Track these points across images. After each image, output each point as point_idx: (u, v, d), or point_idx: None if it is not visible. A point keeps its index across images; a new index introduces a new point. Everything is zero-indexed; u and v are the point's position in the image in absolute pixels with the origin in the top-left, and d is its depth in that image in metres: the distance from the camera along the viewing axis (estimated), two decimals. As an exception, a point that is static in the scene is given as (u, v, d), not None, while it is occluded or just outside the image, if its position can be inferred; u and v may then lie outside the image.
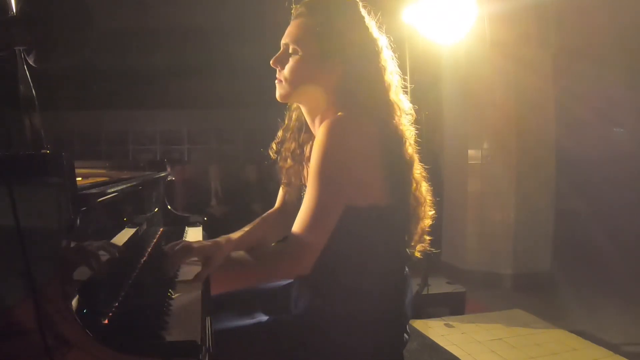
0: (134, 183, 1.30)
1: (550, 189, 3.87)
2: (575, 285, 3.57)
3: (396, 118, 1.08)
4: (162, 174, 1.93)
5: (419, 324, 2.89)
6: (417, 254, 1.18)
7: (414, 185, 1.12)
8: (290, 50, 1.10)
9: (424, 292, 3.07)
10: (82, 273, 0.79)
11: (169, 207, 1.97)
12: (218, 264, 1.05)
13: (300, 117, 1.24)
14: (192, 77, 5.98)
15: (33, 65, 0.76)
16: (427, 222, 1.17)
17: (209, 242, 1.11)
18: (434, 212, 1.18)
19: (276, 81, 1.14)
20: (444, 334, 2.78)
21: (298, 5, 1.11)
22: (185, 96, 6.47)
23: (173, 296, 1.02)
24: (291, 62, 1.09)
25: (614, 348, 2.52)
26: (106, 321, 0.80)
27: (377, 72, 1.09)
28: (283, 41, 1.12)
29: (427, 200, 1.16)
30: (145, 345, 0.71)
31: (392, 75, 1.13)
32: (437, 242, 4.34)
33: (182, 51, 5.32)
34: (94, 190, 0.82)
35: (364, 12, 1.12)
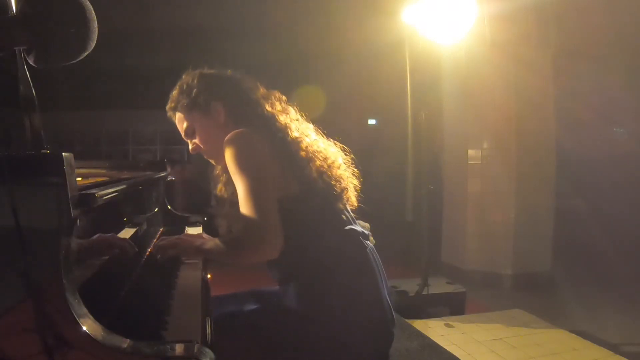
0: (134, 183, 1.30)
1: (550, 189, 3.87)
2: (575, 285, 3.57)
3: (278, 125, 1.27)
4: (162, 174, 1.93)
5: (419, 324, 2.89)
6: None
7: (322, 174, 1.25)
8: (190, 134, 1.35)
9: (424, 292, 3.08)
10: (82, 273, 0.79)
11: (169, 207, 1.97)
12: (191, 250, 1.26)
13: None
14: (192, 77, 5.96)
15: (33, 65, 0.76)
16: (352, 197, 1.33)
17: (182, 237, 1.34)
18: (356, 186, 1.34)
19: (206, 157, 1.38)
20: (444, 334, 2.78)
21: (167, 109, 1.38)
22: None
23: (173, 296, 1.02)
24: (198, 138, 1.34)
25: (614, 348, 2.52)
26: (106, 321, 0.80)
27: (246, 92, 1.32)
28: (183, 135, 1.37)
29: (344, 182, 1.30)
30: (145, 345, 0.71)
31: (262, 92, 1.34)
32: (437, 242, 4.36)
33: (182, 51, 5.32)
34: (94, 190, 0.82)
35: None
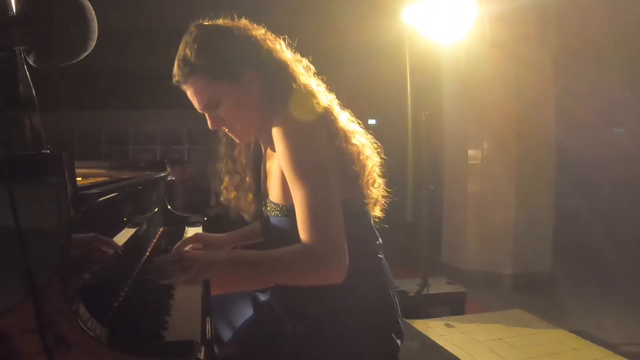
0: (134, 183, 1.30)
1: (550, 189, 3.87)
2: (575, 285, 3.57)
3: (321, 107, 1.06)
4: (162, 174, 1.93)
5: (419, 324, 2.89)
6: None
7: (365, 178, 1.09)
8: (213, 107, 1.08)
9: (424, 292, 3.07)
10: (82, 273, 0.79)
11: (169, 207, 1.97)
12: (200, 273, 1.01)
13: (229, 153, 1.26)
14: (192, 77, 5.97)
15: (33, 65, 0.76)
16: (377, 212, 1.17)
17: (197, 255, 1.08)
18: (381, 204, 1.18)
19: (228, 132, 1.15)
20: (444, 334, 2.78)
21: (175, 76, 1.10)
22: (185, 96, 6.45)
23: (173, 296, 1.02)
24: (223, 113, 1.08)
25: (614, 348, 2.52)
26: (106, 321, 0.80)
27: (285, 67, 1.09)
28: (201, 108, 1.10)
29: (379, 194, 1.15)
30: (145, 345, 0.71)
31: (300, 65, 1.12)
32: (437, 242, 4.36)
33: (182, 51, 5.30)
34: (94, 190, 0.82)
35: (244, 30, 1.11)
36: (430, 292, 3.08)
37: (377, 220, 1.18)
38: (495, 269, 3.80)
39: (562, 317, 2.99)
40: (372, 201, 1.12)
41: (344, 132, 1.06)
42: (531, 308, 3.17)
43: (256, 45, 1.07)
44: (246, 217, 1.31)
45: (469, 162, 3.94)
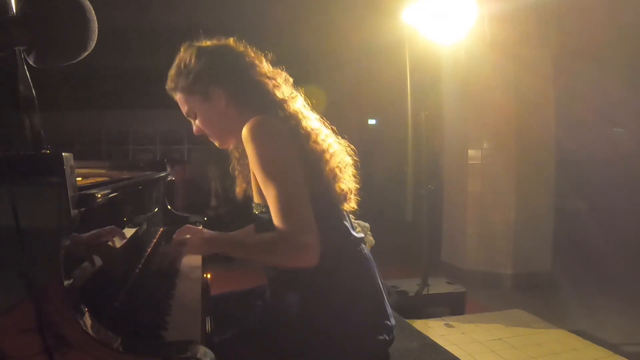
0: (134, 183, 1.30)
1: (550, 189, 3.87)
2: (575, 285, 3.57)
3: (288, 112, 1.18)
4: (162, 174, 1.93)
5: (419, 324, 2.89)
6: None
7: (334, 174, 1.18)
8: (192, 117, 1.27)
9: (424, 292, 3.07)
10: (82, 273, 0.79)
11: (169, 207, 1.97)
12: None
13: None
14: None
15: (33, 65, 0.76)
16: (353, 205, 1.26)
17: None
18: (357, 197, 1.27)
19: (210, 139, 1.31)
20: (444, 334, 2.78)
21: (167, 89, 1.28)
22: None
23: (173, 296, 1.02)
24: (199, 123, 1.26)
25: (614, 348, 2.52)
26: (106, 321, 0.80)
27: (258, 82, 1.21)
28: (186, 115, 1.29)
29: (350, 184, 1.24)
30: (145, 345, 0.72)
31: (277, 78, 1.24)
32: (437, 242, 4.36)
33: (182, 51, 5.30)
34: (94, 190, 0.82)
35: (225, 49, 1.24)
36: (430, 292, 3.08)
37: (352, 214, 1.27)
38: (495, 269, 3.80)
39: (562, 317, 2.99)
40: (341, 195, 1.20)
41: (308, 132, 1.17)
42: (531, 308, 3.17)
43: (228, 64, 1.21)
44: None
45: (469, 162, 3.94)
